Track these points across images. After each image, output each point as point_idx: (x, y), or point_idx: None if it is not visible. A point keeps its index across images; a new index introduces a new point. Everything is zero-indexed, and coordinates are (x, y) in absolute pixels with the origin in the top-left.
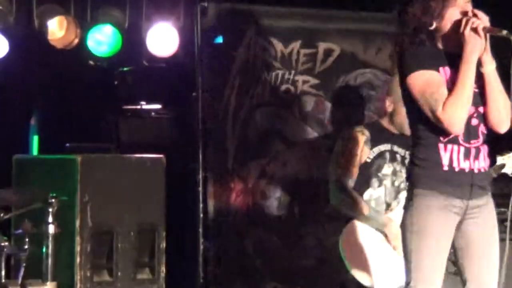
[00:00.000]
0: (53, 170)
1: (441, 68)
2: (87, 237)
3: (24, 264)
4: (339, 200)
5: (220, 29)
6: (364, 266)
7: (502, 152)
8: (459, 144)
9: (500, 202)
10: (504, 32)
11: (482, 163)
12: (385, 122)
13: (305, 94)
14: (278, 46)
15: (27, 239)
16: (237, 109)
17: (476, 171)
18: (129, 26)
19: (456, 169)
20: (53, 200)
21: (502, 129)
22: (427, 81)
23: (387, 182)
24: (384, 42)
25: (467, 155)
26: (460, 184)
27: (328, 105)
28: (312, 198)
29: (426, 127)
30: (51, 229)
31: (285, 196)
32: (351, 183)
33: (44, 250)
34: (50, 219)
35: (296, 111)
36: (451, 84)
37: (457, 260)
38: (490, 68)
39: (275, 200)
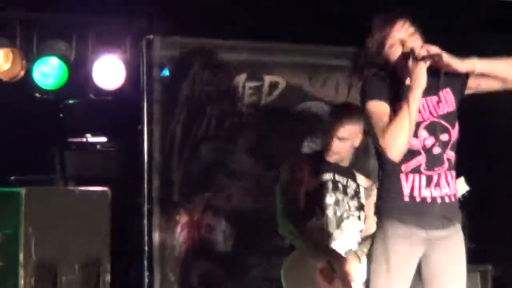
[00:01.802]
0: None
1: (390, 104)
2: (31, 271)
3: None
4: (287, 230)
5: (166, 62)
6: None
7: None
8: (420, 173)
9: None
10: (437, 53)
11: (445, 190)
12: (326, 153)
13: (250, 127)
14: (224, 79)
15: None
16: (182, 142)
17: (439, 200)
18: (75, 58)
19: (417, 199)
20: None
21: None
22: (379, 111)
23: (329, 211)
24: (329, 75)
25: (428, 183)
26: (422, 214)
27: (273, 137)
28: (257, 230)
29: (387, 157)
30: None
31: (230, 228)
32: (297, 212)
33: None
34: None
35: (241, 144)
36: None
37: None
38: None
39: (220, 232)
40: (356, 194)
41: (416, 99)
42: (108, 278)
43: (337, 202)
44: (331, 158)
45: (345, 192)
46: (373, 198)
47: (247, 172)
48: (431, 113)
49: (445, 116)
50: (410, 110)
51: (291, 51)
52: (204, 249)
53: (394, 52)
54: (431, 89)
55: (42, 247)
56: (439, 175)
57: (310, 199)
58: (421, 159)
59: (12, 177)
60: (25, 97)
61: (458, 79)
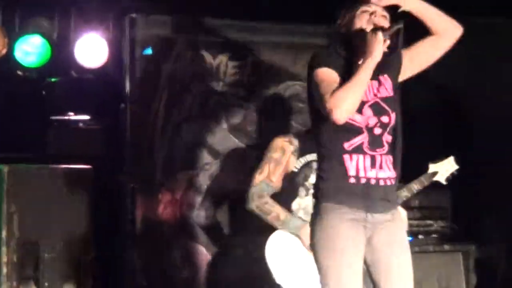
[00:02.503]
0: None
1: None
2: (13, 248)
3: None
4: (254, 205)
5: (149, 40)
6: (288, 274)
7: (435, 160)
8: (364, 153)
9: (427, 214)
10: (398, 26)
11: (388, 173)
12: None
13: (233, 106)
14: (207, 58)
15: None
16: (165, 120)
17: (382, 182)
18: (58, 36)
19: (362, 180)
20: None
21: None
22: (326, 76)
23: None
24: None
25: (373, 164)
26: (366, 197)
27: (257, 117)
28: (240, 210)
29: (329, 135)
30: None
31: (213, 207)
32: (271, 190)
33: None
34: None
35: (224, 123)
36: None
37: (370, 276)
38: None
39: (203, 211)
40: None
41: (369, 67)
42: (91, 255)
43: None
44: None
45: None
46: None
47: (230, 152)
48: (375, 95)
49: (385, 99)
50: (361, 76)
51: (274, 30)
52: (186, 228)
53: (359, 20)
54: (373, 74)
55: (24, 225)
56: (381, 156)
57: (292, 179)
58: (364, 138)
59: None
60: (7, 75)
61: (395, 65)
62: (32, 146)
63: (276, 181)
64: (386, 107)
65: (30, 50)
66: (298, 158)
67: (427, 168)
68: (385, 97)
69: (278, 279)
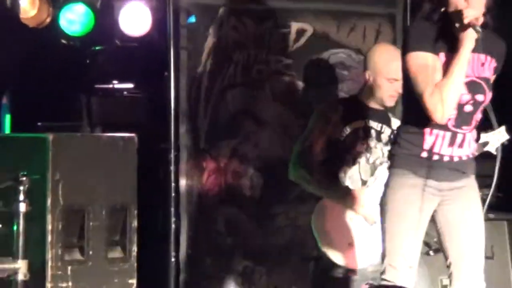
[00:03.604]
0: (24, 148)
1: (440, 54)
2: (58, 216)
3: None
4: (297, 174)
5: (193, 8)
6: (336, 244)
7: (486, 129)
8: (446, 130)
9: (480, 183)
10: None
11: (466, 151)
12: (361, 97)
13: (277, 74)
14: (250, 26)
15: None
16: (209, 88)
17: (456, 159)
18: (102, 5)
19: (435, 157)
20: (24, 179)
21: None
22: (422, 64)
23: (361, 159)
24: (357, 22)
25: (452, 142)
26: (436, 168)
27: (301, 85)
28: (284, 178)
29: (417, 107)
30: (22, 207)
31: (257, 175)
32: (313, 159)
33: (15, 228)
34: (21, 198)
35: (268, 91)
36: (446, 70)
37: (440, 242)
38: None
39: (247, 179)
40: (391, 140)
41: (464, 61)
42: (135, 223)
43: (369, 149)
44: (370, 101)
45: (378, 139)
46: None
47: (275, 120)
48: (473, 71)
49: (485, 79)
50: (459, 72)
51: None
52: (231, 196)
53: (455, 3)
54: (482, 47)
55: (69, 193)
56: (464, 135)
57: (338, 147)
58: (452, 115)
59: (39, 123)
60: (51, 43)
61: (498, 51)
62: (77, 114)
63: (320, 150)
64: (484, 86)
65: (74, 18)
66: (343, 126)
67: (478, 138)
68: (485, 77)
69: (323, 247)
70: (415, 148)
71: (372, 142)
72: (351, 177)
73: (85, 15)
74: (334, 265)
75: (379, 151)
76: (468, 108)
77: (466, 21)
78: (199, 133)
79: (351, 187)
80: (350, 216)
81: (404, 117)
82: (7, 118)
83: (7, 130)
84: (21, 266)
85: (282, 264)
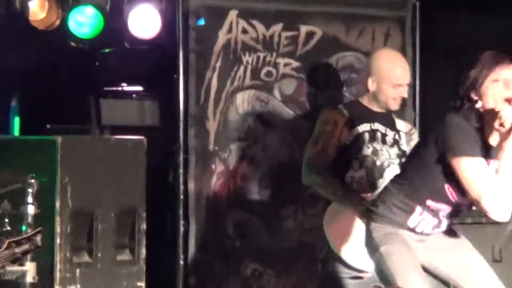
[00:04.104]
0: (33, 151)
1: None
2: (67, 218)
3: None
4: (312, 179)
5: (202, 11)
6: (348, 246)
7: None
8: (434, 216)
9: None
10: None
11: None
12: (365, 101)
13: (286, 77)
14: (260, 28)
15: (6, 220)
16: (218, 91)
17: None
18: (111, 7)
19: (417, 230)
20: (32, 181)
21: None
22: (475, 169)
23: (368, 162)
24: (366, 26)
25: (437, 226)
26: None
27: (309, 87)
28: (292, 181)
29: (421, 182)
30: (31, 209)
31: (266, 178)
32: (325, 164)
33: (24, 230)
34: (30, 200)
35: (277, 94)
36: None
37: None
38: None
39: (255, 182)
40: (396, 141)
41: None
42: (143, 226)
43: (375, 152)
44: (374, 105)
45: (383, 141)
46: (414, 142)
47: (284, 122)
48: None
49: None
50: (507, 171)
51: (327, 0)
52: (239, 199)
53: (493, 89)
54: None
55: (78, 195)
56: (451, 223)
57: (345, 152)
58: (446, 209)
59: (48, 126)
60: (60, 46)
61: None
62: (85, 117)
63: (330, 154)
64: None
65: (84, 21)
66: (349, 130)
67: None
68: None
69: (335, 249)
70: (400, 221)
71: (378, 145)
72: (358, 181)
73: (94, 18)
74: (342, 267)
75: (385, 153)
76: (463, 208)
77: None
78: (208, 135)
79: (359, 191)
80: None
81: (412, 175)
82: (16, 120)
83: (16, 132)
84: (29, 269)
85: (291, 267)
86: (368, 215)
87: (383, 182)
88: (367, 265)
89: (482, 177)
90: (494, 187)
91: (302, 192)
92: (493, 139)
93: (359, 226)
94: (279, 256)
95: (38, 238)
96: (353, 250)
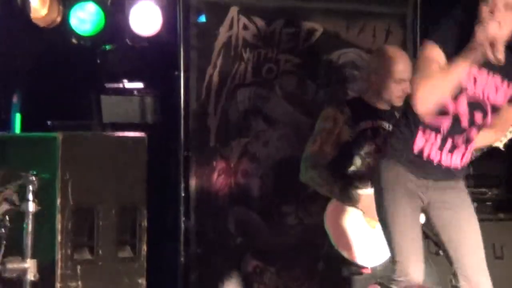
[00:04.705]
0: (34, 147)
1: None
2: (68, 215)
3: (4, 242)
4: (308, 177)
5: (203, 7)
6: (349, 243)
7: None
8: (438, 133)
9: (481, 182)
10: None
11: (455, 161)
12: (368, 98)
13: (287, 73)
14: (261, 25)
15: (7, 217)
16: (219, 87)
17: (443, 167)
18: (112, 4)
19: (424, 158)
20: (33, 178)
21: None
22: (429, 56)
23: (370, 159)
24: (366, 22)
25: (441, 147)
26: (425, 168)
27: (311, 84)
28: (294, 177)
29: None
30: (32, 207)
31: (267, 174)
32: (323, 162)
33: (24, 228)
34: (31, 197)
35: (278, 90)
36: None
37: (440, 243)
38: None
39: (257, 178)
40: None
41: (466, 61)
42: (144, 223)
43: (378, 150)
44: (376, 103)
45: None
46: None
47: (285, 119)
48: (483, 92)
49: (493, 105)
50: (452, 72)
51: None
52: (240, 195)
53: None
54: (502, 69)
55: (79, 192)
56: (455, 144)
57: (347, 148)
58: (445, 121)
59: (49, 123)
60: (62, 42)
61: None
62: (86, 113)
63: (329, 151)
64: (488, 110)
65: (85, 17)
66: (351, 126)
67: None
68: (495, 104)
69: (336, 245)
70: (408, 146)
71: (380, 142)
72: (361, 177)
73: (95, 15)
74: (343, 264)
75: None
76: (463, 121)
77: (482, 35)
78: (209, 132)
79: (360, 187)
80: (361, 215)
81: (404, 112)
82: (18, 117)
83: (17, 129)
84: (30, 266)
85: (292, 264)
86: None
87: None
88: (367, 262)
89: (429, 64)
90: (430, 80)
91: (303, 189)
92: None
93: (359, 223)
94: (280, 252)
95: (14, 198)
96: (353, 247)
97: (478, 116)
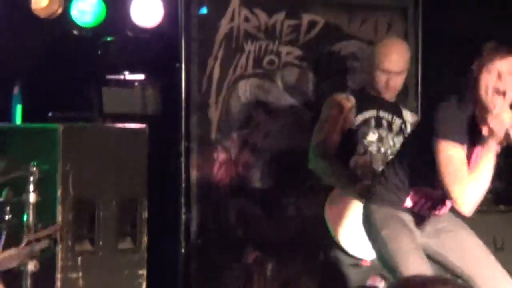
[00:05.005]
0: (34, 139)
1: (465, 145)
2: (68, 207)
3: (4, 233)
4: (318, 166)
5: None
6: (349, 235)
7: None
8: (430, 199)
9: None
10: None
11: (445, 210)
12: (371, 89)
13: (288, 65)
14: (262, 17)
15: (8, 208)
16: (220, 79)
17: (434, 215)
18: None
19: (415, 211)
20: (34, 169)
21: None
22: (452, 157)
23: (372, 149)
24: (368, 14)
25: (433, 207)
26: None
27: (312, 76)
28: (294, 169)
29: (422, 171)
30: (32, 198)
31: (268, 166)
32: (331, 149)
33: (25, 219)
34: (31, 188)
35: (279, 82)
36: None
37: (451, 271)
38: None
39: (257, 170)
40: (402, 130)
41: (491, 151)
42: (145, 215)
43: (380, 139)
44: (377, 93)
45: (389, 129)
46: None
47: (286, 111)
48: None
49: None
50: (487, 167)
51: None
52: (241, 187)
53: (486, 79)
54: None
55: (79, 184)
56: (445, 207)
57: (350, 137)
58: (438, 193)
59: (50, 114)
60: (63, 34)
61: None
62: (87, 105)
63: (335, 139)
64: None
65: (86, 9)
66: (355, 115)
67: None
68: None
69: (336, 236)
70: (398, 199)
71: (384, 132)
72: (362, 166)
73: (96, 6)
74: (344, 256)
75: (390, 141)
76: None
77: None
78: (210, 124)
79: (361, 179)
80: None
81: (403, 161)
82: (18, 108)
83: (18, 120)
84: None
85: (292, 255)
86: (367, 196)
87: None
88: (366, 254)
89: (455, 163)
90: (469, 180)
91: (304, 181)
92: (485, 129)
93: (359, 214)
94: (281, 244)
95: (57, 235)
96: (353, 238)
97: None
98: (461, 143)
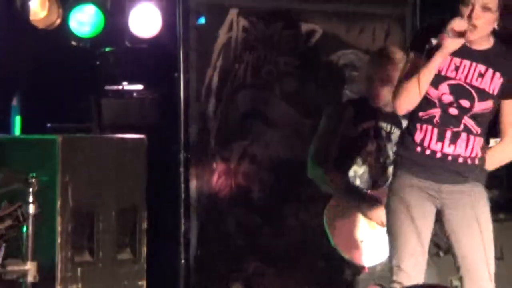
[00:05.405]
0: (33, 150)
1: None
2: (68, 217)
3: (4, 245)
4: (316, 174)
5: (203, 9)
6: (348, 243)
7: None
8: (433, 126)
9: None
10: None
11: (459, 150)
12: (368, 98)
13: (287, 75)
14: (260, 27)
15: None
16: (219, 90)
17: (450, 158)
18: (112, 6)
19: (427, 151)
20: (33, 180)
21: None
22: (408, 62)
23: (371, 159)
24: (366, 24)
25: (441, 138)
26: (431, 167)
27: (310, 85)
28: (294, 179)
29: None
30: (31, 209)
31: (267, 176)
32: (330, 158)
33: (24, 230)
34: (31, 199)
35: (278, 92)
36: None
37: (449, 246)
38: None
39: (257, 180)
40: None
41: (436, 62)
42: (144, 225)
43: (379, 149)
44: (376, 104)
45: (388, 139)
46: None
47: (285, 120)
48: (466, 78)
49: (477, 89)
50: (423, 73)
51: None
52: (241, 197)
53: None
54: (486, 60)
55: (79, 194)
56: (455, 134)
57: (349, 146)
58: (436, 112)
59: (49, 125)
60: (61, 45)
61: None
62: (86, 116)
63: (334, 149)
64: (473, 94)
65: (84, 20)
66: (354, 125)
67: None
68: (480, 88)
69: (335, 244)
70: (410, 144)
71: (382, 143)
72: (361, 176)
73: (95, 17)
74: (344, 265)
75: (389, 151)
76: (453, 111)
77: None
78: (209, 134)
79: (361, 187)
80: (361, 215)
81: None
82: (17, 119)
83: (17, 131)
84: (30, 268)
85: (292, 265)
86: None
87: (386, 181)
88: (367, 262)
89: (408, 69)
90: (403, 83)
91: (303, 190)
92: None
93: (359, 223)
94: (281, 254)
95: (19, 213)
96: (352, 247)
97: (465, 102)
98: (420, 50)
